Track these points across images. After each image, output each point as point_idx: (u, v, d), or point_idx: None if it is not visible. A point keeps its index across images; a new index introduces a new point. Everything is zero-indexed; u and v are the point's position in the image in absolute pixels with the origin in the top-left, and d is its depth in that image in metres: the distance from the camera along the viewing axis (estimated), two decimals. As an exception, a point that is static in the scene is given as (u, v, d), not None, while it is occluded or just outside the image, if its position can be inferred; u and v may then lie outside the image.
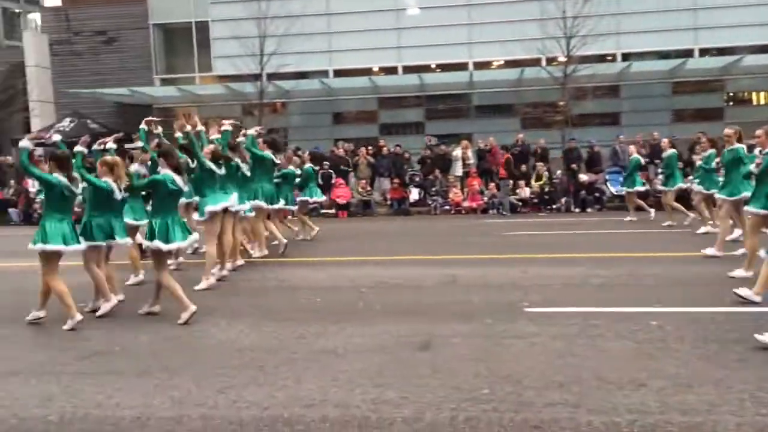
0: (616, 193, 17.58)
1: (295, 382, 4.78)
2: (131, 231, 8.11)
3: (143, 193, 8.13)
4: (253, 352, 5.57)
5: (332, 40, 24.37)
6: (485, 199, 18.07)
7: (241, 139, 10.07)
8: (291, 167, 11.92)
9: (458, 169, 19.45)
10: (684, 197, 13.59)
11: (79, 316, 6.53)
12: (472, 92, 24.47)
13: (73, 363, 5.49)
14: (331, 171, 19.28)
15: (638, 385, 4.50)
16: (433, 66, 24.65)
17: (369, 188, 19.37)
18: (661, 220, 13.46)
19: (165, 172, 7.00)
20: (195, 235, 7.49)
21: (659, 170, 14.84)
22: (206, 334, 6.27)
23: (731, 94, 24.31)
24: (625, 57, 23.06)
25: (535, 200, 18.04)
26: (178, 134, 9.12)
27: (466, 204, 18.20)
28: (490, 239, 12.66)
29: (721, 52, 22.68)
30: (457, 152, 19.69)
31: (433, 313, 6.68)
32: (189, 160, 8.56)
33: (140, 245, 9.19)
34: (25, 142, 6.66)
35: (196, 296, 7.80)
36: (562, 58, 20.59)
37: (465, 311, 6.74)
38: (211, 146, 8.99)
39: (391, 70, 24.51)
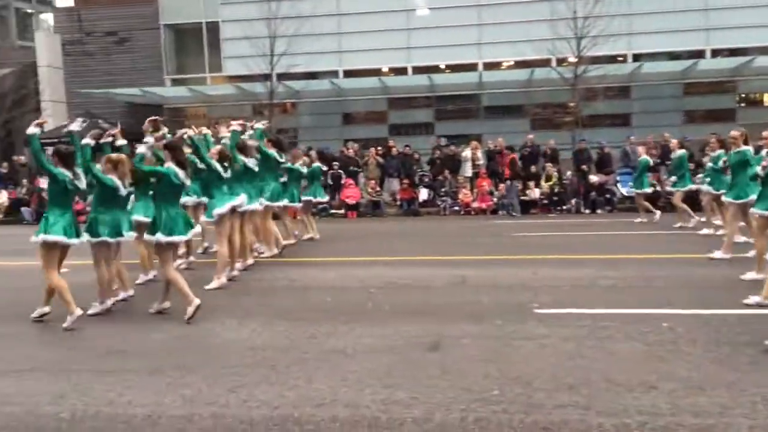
0: (626, 195, 17.52)
1: (305, 382, 4.80)
2: (140, 228, 8.14)
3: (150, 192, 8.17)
4: (264, 352, 5.59)
5: (342, 40, 24.40)
6: (495, 200, 18.05)
7: (250, 132, 10.09)
8: (298, 164, 11.98)
9: (468, 170, 19.43)
10: (693, 198, 13.52)
11: (78, 312, 6.55)
12: (481, 93, 24.45)
13: (85, 361, 5.54)
14: (341, 171, 19.31)
15: (649, 388, 4.49)
16: (442, 67, 24.64)
17: (378, 189, 19.38)
18: (671, 222, 13.39)
19: (169, 165, 7.05)
20: (198, 228, 7.55)
21: (670, 172, 14.74)
22: (217, 333, 6.30)
23: (743, 95, 24.16)
24: (636, 58, 22.96)
25: (545, 201, 17.99)
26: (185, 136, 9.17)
27: (475, 205, 18.18)
28: (499, 240, 12.64)
29: (733, 53, 22.55)
30: (467, 153, 19.67)
31: (443, 314, 6.68)
32: (197, 161, 8.61)
33: None
34: (33, 129, 6.68)
35: (207, 296, 7.85)
36: (572, 59, 20.53)
37: (475, 312, 6.74)
38: (218, 146, 9.03)
39: (400, 71, 24.52)
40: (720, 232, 11.13)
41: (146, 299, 7.56)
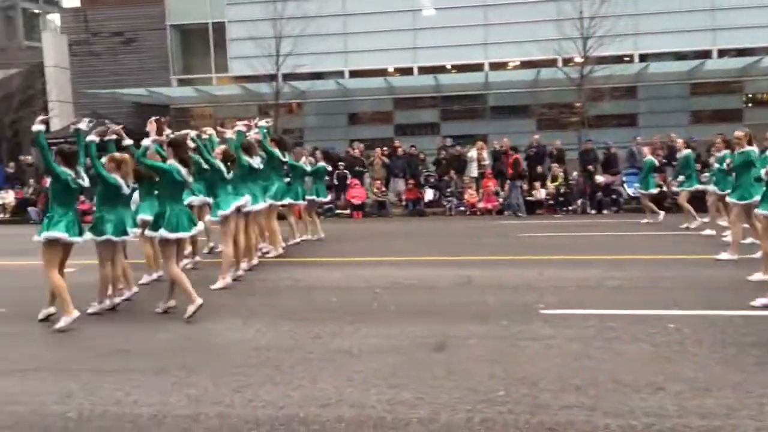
0: (632, 195, 17.47)
1: (310, 382, 4.80)
2: (146, 227, 8.15)
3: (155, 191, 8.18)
4: (268, 352, 5.60)
5: (348, 40, 24.40)
6: (500, 200, 18.02)
7: (255, 131, 10.10)
8: (302, 162, 11.99)
9: (473, 170, 19.42)
10: (700, 199, 13.47)
11: (75, 314, 6.53)
12: (487, 93, 24.40)
13: (91, 360, 5.55)
14: (346, 171, 19.32)
15: (656, 389, 4.47)
16: (448, 67, 24.60)
17: (384, 189, 19.37)
18: (678, 223, 13.35)
19: (171, 162, 7.06)
20: (201, 226, 7.58)
21: (677, 173, 14.69)
22: (222, 333, 6.31)
23: (750, 95, 24.04)
24: (643, 58, 22.88)
25: (551, 202, 17.95)
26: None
27: (481, 205, 18.17)
28: (505, 240, 12.63)
29: (740, 53, 22.44)
30: (472, 153, 19.66)
31: (449, 314, 6.68)
32: (202, 161, 8.64)
33: None
34: (38, 126, 6.69)
35: (212, 296, 7.88)
36: (578, 59, 20.48)
37: (480, 312, 6.73)
38: (222, 147, 9.04)
39: (406, 71, 24.49)
40: (726, 233, 11.08)
41: (151, 299, 7.58)
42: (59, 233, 6.58)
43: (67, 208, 6.77)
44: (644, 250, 10.65)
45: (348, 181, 19.19)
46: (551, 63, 21.68)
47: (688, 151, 13.53)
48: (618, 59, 21.98)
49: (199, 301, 6.76)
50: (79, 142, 7.23)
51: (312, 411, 4.27)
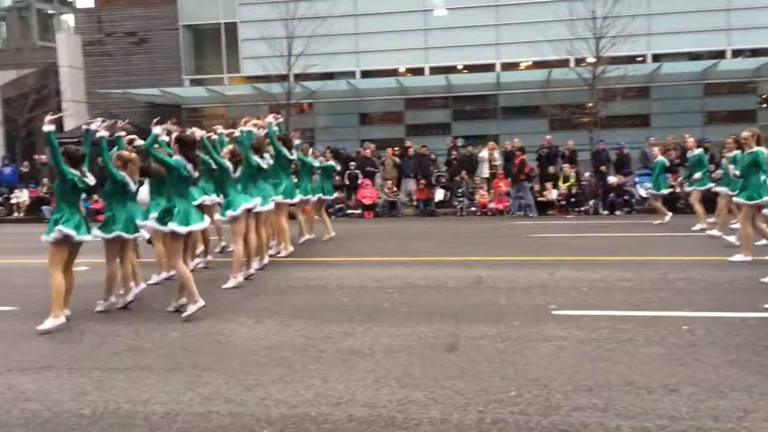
0: (645, 196, 17.37)
1: (322, 381, 4.81)
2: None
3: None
4: (280, 351, 5.61)
5: (359, 41, 24.42)
6: (511, 200, 17.97)
7: (264, 124, 10.11)
8: (310, 158, 12.02)
9: (485, 171, 19.38)
10: (713, 200, 13.37)
11: (62, 319, 6.54)
12: (499, 93, 24.35)
13: (105, 358, 5.59)
14: (357, 171, 19.33)
15: (669, 391, 4.44)
16: (460, 67, 24.56)
17: (395, 189, 19.37)
18: (690, 224, 13.25)
19: (178, 158, 7.09)
20: (208, 220, 7.67)
21: (689, 173, 14.56)
22: (234, 331, 6.33)
23: (764, 95, 23.84)
24: (656, 58, 22.75)
25: (563, 202, 17.88)
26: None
27: (492, 205, 18.13)
28: (516, 241, 12.59)
29: (755, 53, 22.25)
30: (484, 153, 19.62)
31: (460, 315, 6.66)
32: (211, 162, 8.68)
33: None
34: (49, 126, 6.74)
35: (224, 295, 7.92)
36: (591, 59, 20.39)
37: (492, 313, 6.71)
38: (230, 146, 9.07)
39: (417, 71, 24.48)
40: (731, 236, 11.02)
41: (163, 297, 7.62)
42: (70, 230, 6.63)
43: (74, 208, 6.81)
44: (657, 251, 10.59)
45: (359, 181, 19.20)
46: (563, 63, 21.59)
47: (699, 151, 13.44)
48: (631, 59, 21.87)
49: (201, 302, 6.81)
50: (86, 142, 7.29)
51: (323, 410, 4.28)
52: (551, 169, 18.77)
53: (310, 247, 11.92)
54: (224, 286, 8.28)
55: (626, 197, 17.73)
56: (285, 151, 10.47)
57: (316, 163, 12.44)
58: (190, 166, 7.13)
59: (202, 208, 9.03)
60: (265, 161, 9.54)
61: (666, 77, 22.29)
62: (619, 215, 17.09)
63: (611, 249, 10.95)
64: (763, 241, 9.72)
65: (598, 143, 19.21)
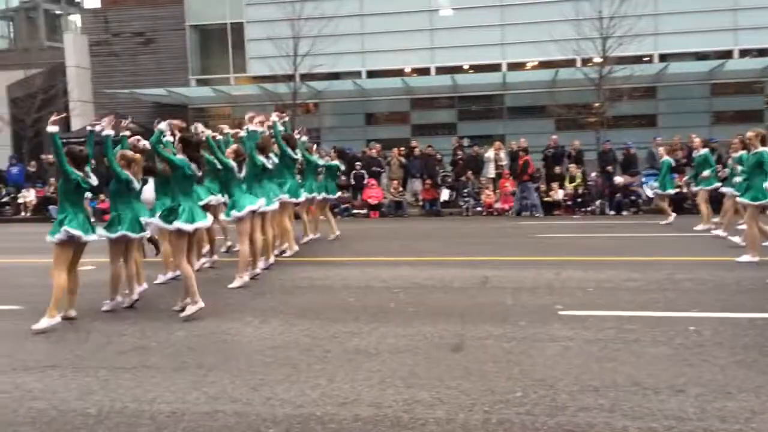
0: (651, 196, 17.33)
1: (328, 381, 4.80)
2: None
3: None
4: (286, 350, 5.61)
5: (365, 41, 24.41)
6: (526, 201, 17.90)
7: (271, 122, 10.10)
8: (314, 156, 12.02)
9: (490, 171, 19.36)
10: (719, 200, 13.31)
11: (58, 319, 6.56)
12: (505, 93, 24.30)
13: (111, 357, 5.60)
14: (363, 171, 19.33)
15: (676, 391, 4.42)
16: (465, 67, 24.53)
17: (401, 189, 19.37)
18: (697, 224, 13.19)
19: (181, 157, 7.10)
20: (211, 218, 7.70)
21: (695, 173, 14.50)
22: (240, 331, 6.33)
23: (772, 96, 23.74)
24: (663, 58, 22.66)
25: (569, 203, 17.84)
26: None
27: (498, 205, 18.10)
28: (522, 241, 12.57)
29: (762, 53, 22.13)
30: (490, 154, 19.60)
31: (466, 315, 6.65)
32: (216, 162, 8.69)
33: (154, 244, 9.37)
34: (53, 127, 6.76)
35: (230, 294, 7.94)
36: (597, 59, 20.33)
37: (498, 313, 6.70)
38: (234, 146, 9.08)
39: (423, 71, 24.46)
40: (735, 237, 10.97)
41: (168, 297, 7.63)
42: (76, 231, 6.65)
43: (77, 207, 6.84)
44: (664, 251, 10.55)
45: (365, 181, 19.20)
46: (570, 63, 21.53)
47: (705, 151, 13.40)
48: (638, 59, 21.79)
49: (201, 304, 6.84)
50: (90, 142, 7.33)
51: (329, 410, 4.28)
52: (557, 169, 18.73)
53: (316, 246, 11.92)
54: (230, 285, 8.30)
55: (633, 197, 17.68)
56: (290, 150, 10.47)
57: (321, 162, 12.43)
58: (194, 166, 7.15)
59: (207, 208, 9.03)
60: (270, 161, 9.54)
61: (673, 77, 22.21)
62: (626, 215, 17.05)
63: (618, 249, 10.92)
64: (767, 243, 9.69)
65: (605, 143, 19.16)
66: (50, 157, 22.47)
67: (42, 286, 8.54)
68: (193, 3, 25.68)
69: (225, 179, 8.95)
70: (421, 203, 19.25)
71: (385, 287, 8.15)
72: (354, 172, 19.32)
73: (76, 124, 24.38)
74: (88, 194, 9.33)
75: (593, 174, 18.55)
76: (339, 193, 14.62)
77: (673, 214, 14.26)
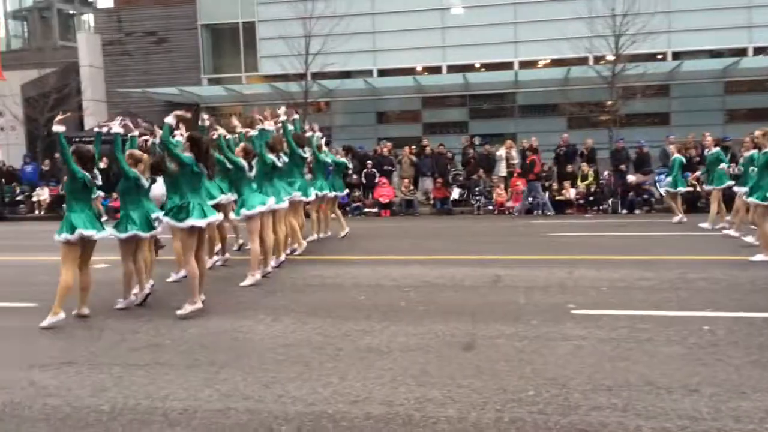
0: (664, 195, 17.21)
1: (339, 379, 4.81)
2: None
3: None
4: (298, 348, 5.62)
5: (376, 39, 24.40)
6: (530, 199, 17.87)
7: (281, 119, 10.12)
8: (324, 153, 12.03)
9: (502, 170, 19.30)
10: (732, 199, 13.19)
11: (62, 315, 6.62)
12: (516, 91, 24.23)
13: (124, 354, 5.63)
14: (375, 170, 19.33)
15: (690, 391, 4.40)
16: (477, 65, 24.47)
17: (412, 187, 19.35)
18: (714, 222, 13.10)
19: (189, 155, 7.12)
20: (220, 215, 7.81)
21: (707, 171, 14.38)
22: (252, 329, 6.35)
23: (787, 93, 23.51)
24: (676, 56, 22.52)
25: (581, 201, 17.76)
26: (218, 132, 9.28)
27: (509, 204, 18.04)
28: (534, 240, 12.53)
29: (776, 50, 21.99)
30: (501, 152, 19.54)
31: (477, 314, 6.64)
32: (225, 161, 8.72)
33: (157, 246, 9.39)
34: (58, 127, 6.81)
35: (241, 292, 7.96)
36: (610, 57, 20.22)
37: (510, 312, 6.68)
38: (242, 144, 9.09)
39: (435, 70, 24.41)
40: (747, 236, 10.88)
41: (181, 295, 7.64)
42: (88, 231, 6.69)
43: (83, 205, 6.88)
44: (677, 250, 10.48)
45: (376, 180, 19.20)
46: (582, 61, 21.43)
47: (717, 149, 13.29)
48: (651, 57, 21.65)
49: (199, 305, 6.90)
50: (96, 142, 7.37)
51: (341, 408, 4.29)
52: (569, 168, 18.64)
53: (327, 245, 11.94)
54: (242, 284, 8.33)
55: (646, 196, 17.57)
56: (299, 149, 10.48)
57: (329, 159, 12.38)
58: (201, 165, 7.18)
59: (218, 207, 9.06)
60: (281, 159, 9.55)
61: (686, 75, 22.05)
62: (639, 214, 16.94)
63: (630, 248, 10.86)
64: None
65: (618, 142, 19.05)
66: (63, 156, 22.64)
67: (56, 284, 8.60)
68: (205, 2, 25.77)
69: (235, 178, 8.97)
70: (432, 202, 19.22)
71: (396, 286, 8.15)
72: (365, 170, 19.32)
73: (89, 123, 24.54)
74: (101, 193, 9.40)
75: (606, 172, 18.45)
76: (346, 191, 14.61)
77: (680, 215, 14.15)
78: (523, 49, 23.46)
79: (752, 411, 4.06)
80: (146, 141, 8.57)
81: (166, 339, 6.09)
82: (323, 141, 12.78)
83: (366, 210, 18.80)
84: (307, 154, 10.98)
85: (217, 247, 9.99)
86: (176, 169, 7.17)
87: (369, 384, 4.69)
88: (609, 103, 20.63)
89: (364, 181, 19.33)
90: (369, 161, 19.55)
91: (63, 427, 4.19)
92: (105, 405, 4.46)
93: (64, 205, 20.29)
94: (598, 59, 21.10)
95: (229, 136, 9.61)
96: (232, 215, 9.68)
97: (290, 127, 10.38)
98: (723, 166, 12.79)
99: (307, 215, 12.03)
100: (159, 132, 8.05)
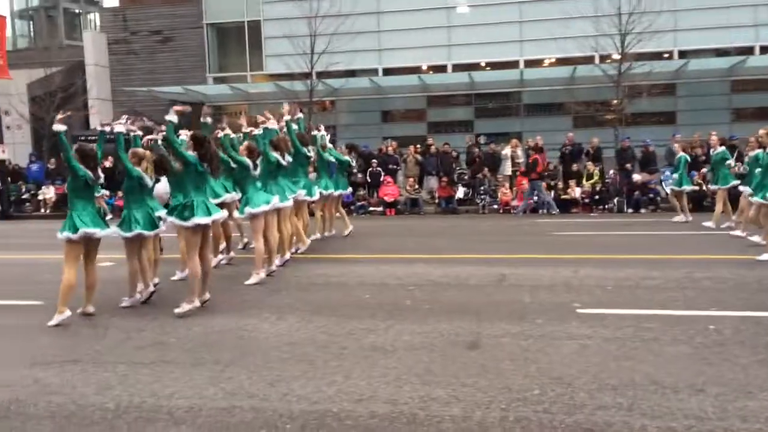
0: (669, 194, 17.15)
1: (344, 377, 4.81)
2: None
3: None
4: (302, 347, 5.62)
5: (382, 38, 24.40)
6: (534, 198, 17.83)
7: (284, 120, 10.12)
8: (328, 152, 12.04)
9: (507, 168, 19.27)
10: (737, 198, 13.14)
11: (67, 313, 6.64)
12: (522, 90, 24.19)
13: (129, 353, 5.64)
14: (380, 169, 19.32)
15: (696, 390, 4.38)
16: (483, 64, 24.45)
17: (417, 186, 19.33)
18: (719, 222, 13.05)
19: (192, 153, 7.12)
20: (225, 213, 7.79)
21: (713, 171, 14.33)
22: (257, 327, 6.35)
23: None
24: (683, 54, 22.45)
25: (587, 200, 17.71)
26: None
27: (514, 203, 18.00)
28: (539, 239, 12.50)
29: (784, 49, 21.89)
30: (506, 151, 19.50)
31: (483, 312, 6.63)
32: (230, 160, 8.72)
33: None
34: (59, 126, 6.83)
35: (246, 291, 7.97)
36: (616, 56, 20.16)
37: (515, 311, 6.67)
38: (246, 143, 9.09)
39: (440, 69, 24.39)
40: (754, 235, 10.84)
41: (186, 293, 7.65)
42: (91, 229, 6.70)
43: (86, 203, 6.89)
44: (683, 249, 10.43)
45: (381, 179, 19.18)
46: (588, 60, 21.37)
47: (722, 149, 13.23)
48: (657, 56, 21.59)
49: (197, 304, 6.92)
50: (99, 141, 7.39)
51: (345, 406, 4.28)
52: (575, 167, 18.60)
53: (331, 243, 11.94)
54: (246, 282, 8.34)
55: (651, 195, 17.51)
56: (304, 149, 10.47)
57: (332, 158, 12.33)
58: (205, 165, 7.18)
59: (222, 206, 9.05)
60: (285, 158, 9.55)
61: (692, 74, 21.97)
62: (644, 213, 16.88)
63: (636, 247, 10.83)
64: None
65: (624, 141, 18.99)
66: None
67: (60, 282, 8.65)
68: (210, 1, 25.83)
69: (239, 177, 8.97)
70: (437, 201, 19.21)
71: (401, 284, 8.14)
72: (370, 169, 19.32)
73: (94, 122, 24.58)
74: (105, 191, 9.40)
75: (611, 171, 18.40)
76: (350, 189, 14.59)
77: (681, 215, 14.10)
78: (529, 48, 23.43)
79: (759, 410, 4.04)
80: (150, 140, 8.57)
81: (171, 337, 6.09)
82: (327, 138, 12.76)
83: (371, 209, 18.79)
84: (311, 153, 10.96)
85: (222, 245, 9.99)
86: (180, 168, 7.17)
87: (373, 382, 4.68)
88: (615, 102, 20.58)
89: (369, 180, 19.32)
90: (374, 160, 19.53)
91: (68, 424, 4.19)
92: (110, 403, 4.47)
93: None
94: (603, 58, 21.04)
95: (233, 135, 9.61)
96: (236, 214, 9.69)
97: (294, 126, 10.36)
98: (729, 162, 12.74)
99: (312, 214, 12.02)
100: (159, 128, 8.05)
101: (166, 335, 6.16)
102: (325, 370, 4.98)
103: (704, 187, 16.04)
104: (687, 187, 14.32)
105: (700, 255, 9.87)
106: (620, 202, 17.45)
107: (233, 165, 8.78)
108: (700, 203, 16.04)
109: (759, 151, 10.66)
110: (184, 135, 7.82)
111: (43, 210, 21.40)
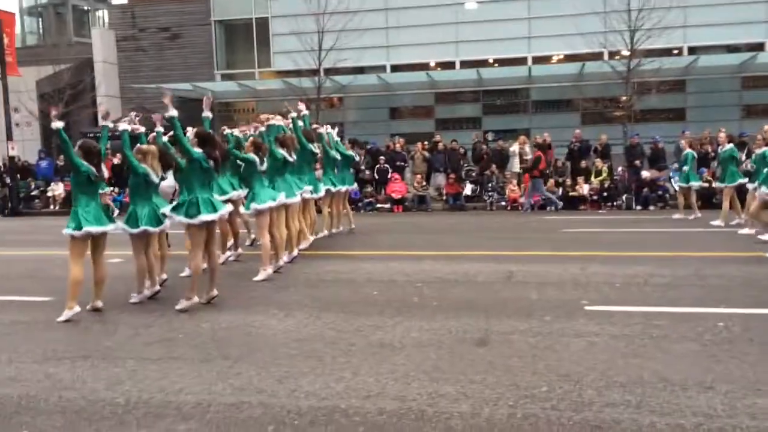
0: (677, 190, 17.08)
1: (352, 374, 4.82)
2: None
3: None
4: (311, 343, 5.63)
5: (390, 35, 24.40)
6: (542, 195, 17.80)
7: (291, 116, 10.13)
8: (334, 149, 12.05)
9: (515, 165, 19.24)
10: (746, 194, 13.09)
11: (76, 309, 6.68)
12: (530, 87, 24.13)
13: (138, 349, 5.67)
14: (387, 166, 19.32)
15: (704, 388, 4.36)
16: (491, 61, 24.40)
17: (424, 183, 19.33)
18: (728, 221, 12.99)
19: (197, 150, 7.14)
20: (231, 207, 7.82)
21: (721, 168, 14.26)
22: (265, 324, 6.37)
23: (804, 88, 23.26)
24: (692, 51, 22.34)
25: (595, 197, 17.66)
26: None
27: (522, 200, 17.98)
28: (547, 236, 12.47)
29: (795, 45, 21.75)
30: (514, 148, 19.47)
31: (490, 309, 6.62)
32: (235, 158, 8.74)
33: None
34: (57, 123, 6.86)
35: (254, 287, 7.99)
36: (625, 52, 20.08)
37: (523, 308, 6.66)
38: (251, 139, 9.10)
39: (448, 65, 24.38)
40: (765, 235, 10.78)
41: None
42: (94, 228, 6.73)
43: (89, 200, 6.91)
44: (691, 247, 10.39)
45: (389, 176, 19.19)
46: (597, 56, 21.30)
47: (730, 146, 13.16)
48: (666, 52, 21.49)
49: (196, 300, 6.96)
50: (103, 138, 7.42)
51: (354, 402, 4.29)
52: (583, 164, 18.55)
53: (339, 240, 11.95)
54: (254, 278, 8.36)
55: (660, 192, 17.45)
56: (310, 145, 10.48)
57: (338, 156, 12.31)
58: (211, 162, 7.20)
59: (228, 203, 9.06)
60: (292, 155, 9.56)
61: (702, 70, 21.87)
62: (653, 210, 16.83)
63: (644, 244, 10.79)
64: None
65: (633, 137, 18.93)
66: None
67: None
68: (218, -2, 25.89)
69: (246, 173, 8.98)
70: (444, 197, 19.20)
71: (409, 281, 8.14)
72: (378, 166, 19.33)
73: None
74: (111, 189, 9.46)
75: (620, 168, 18.34)
76: (355, 185, 14.59)
77: (682, 213, 14.04)
78: (537, 45, 23.38)
79: (768, 408, 4.03)
80: (155, 137, 8.57)
81: (180, 333, 6.12)
82: (335, 132, 12.77)
83: (378, 206, 18.81)
84: (317, 149, 10.98)
85: (230, 242, 10.02)
86: (186, 164, 7.20)
87: (382, 379, 4.69)
88: (624, 98, 20.50)
89: (376, 177, 19.33)
90: (381, 157, 19.54)
91: (78, 419, 4.22)
92: (120, 398, 4.49)
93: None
94: (612, 54, 20.95)
95: (237, 133, 9.62)
96: (242, 210, 9.71)
97: (300, 123, 10.38)
98: (743, 160, 12.65)
99: (319, 211, 12.04)
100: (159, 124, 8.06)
101: (174, 331, 6.19)
102: (334, 367, 4.99)
103: (713, 184, 15.96)
104: (695, 184, 14.26)
105: (708, 252, 9.83)
106: (629, 199, 17.41)
107: (239, 162, 8.80)
108: (709, 200, 15.96)
109: (766, 148, 10.61)
110: (188, 132, 7.83)
111: (52, 206, 21.52)
